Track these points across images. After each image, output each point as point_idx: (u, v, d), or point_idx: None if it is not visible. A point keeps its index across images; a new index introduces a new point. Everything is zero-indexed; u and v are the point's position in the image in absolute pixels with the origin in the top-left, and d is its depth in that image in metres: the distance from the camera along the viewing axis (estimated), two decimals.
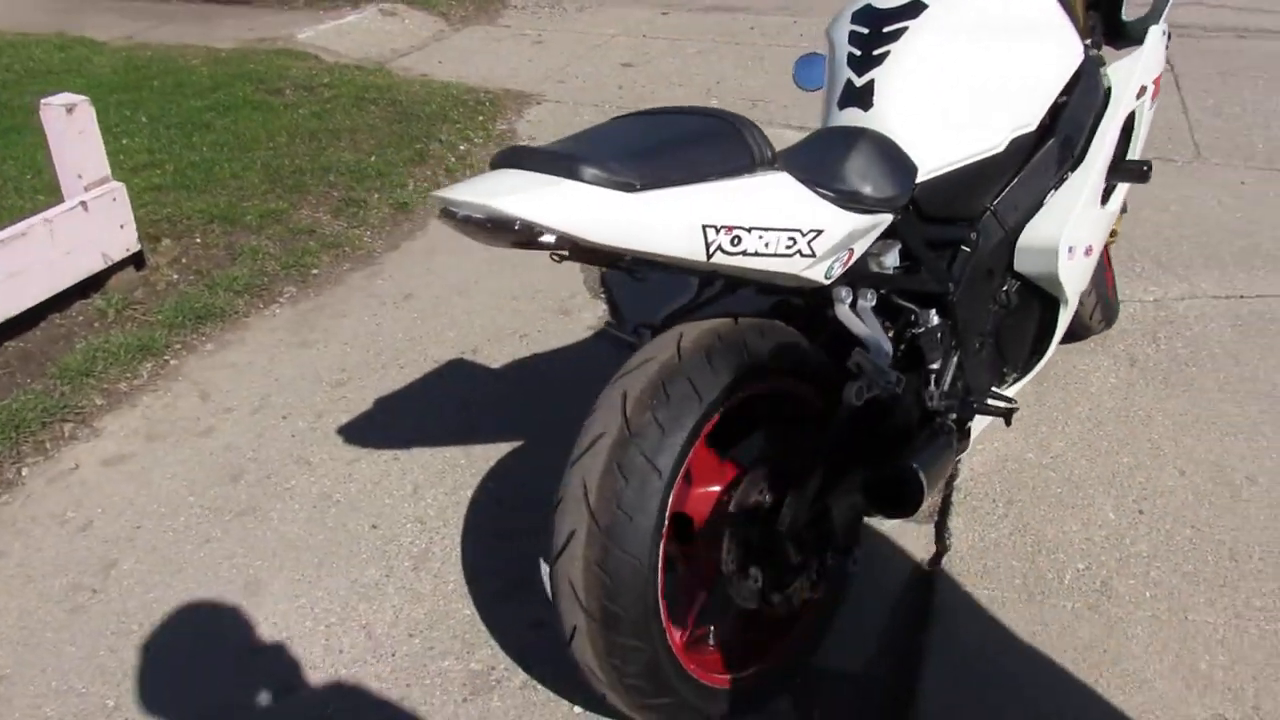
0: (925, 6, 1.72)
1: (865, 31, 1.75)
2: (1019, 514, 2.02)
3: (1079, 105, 1.88)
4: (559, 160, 1.20)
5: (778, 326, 1.55)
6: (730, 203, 1.28)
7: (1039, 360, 1.98)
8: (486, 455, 2.28)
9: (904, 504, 1.46)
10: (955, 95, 1.70)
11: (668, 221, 1.23)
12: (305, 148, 3.81)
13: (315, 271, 3.11)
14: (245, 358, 2.69)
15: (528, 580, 1.93)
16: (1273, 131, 3.93)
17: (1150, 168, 1.95)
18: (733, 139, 1.32)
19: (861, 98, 1.71)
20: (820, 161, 1.49)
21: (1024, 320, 1.93)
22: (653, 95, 4.58)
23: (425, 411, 2.44)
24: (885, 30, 1.73)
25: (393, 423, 2.41)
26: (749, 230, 1.29)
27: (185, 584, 1.96)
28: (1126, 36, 2.15)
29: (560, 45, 5.43)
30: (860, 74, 1.72)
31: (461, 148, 3.97)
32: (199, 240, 3.16)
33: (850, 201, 1.44)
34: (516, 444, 2.32)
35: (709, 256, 1.27)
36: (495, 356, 2.66)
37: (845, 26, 1.79)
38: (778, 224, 1.32)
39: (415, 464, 2.27)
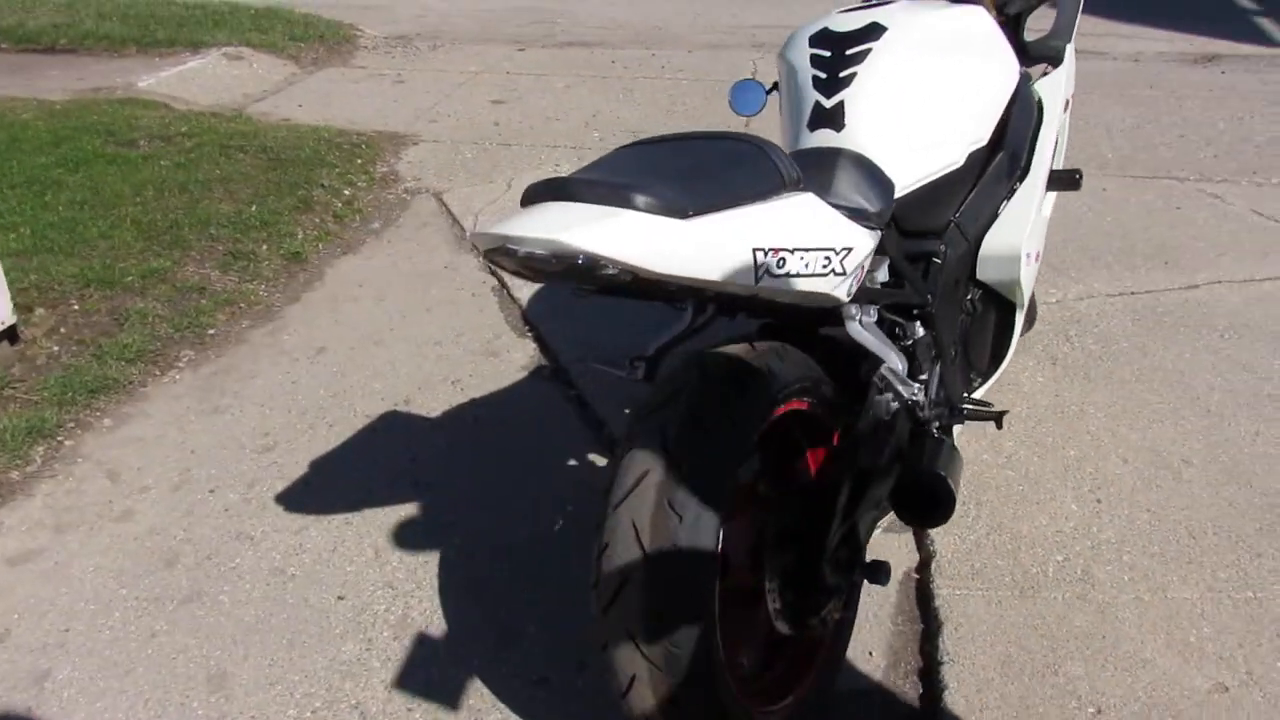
0: (884, 29, 1.77)
1: (827, 54, 1.78)
2: (991, 514, 2.08)
3: (1019, 119, 1.97)
4: (609, 189, 1.15)
5: (790, 349, 1.53)
6: (774, 225, 1.26)
7: (1001, 364, 2.05)
8: (442, 508, 2.17)
9: (938, 512, 1.48)
10: (920, 113, 1.75)
11: (723, 247, 1.20)
12: (177, 201, 3.56)
13: (212, 331, 2.89)
14: (152, 431, 2.47)
15: (519, 630, 1.84)
16: (1116, 141, 4.27)
17: (1081, 175, 2.07)
18: (762, 161, 1.31)
19: (833, 119, 1.73)
20: (825, 182, 1.50)
21: (986, 326, 2.00)
22: (530, 130, 4.54)
23: (368, 469, 2.30)
24: (848, 52, 1.77)
25: (335, 485, 2.26)
26: (792, 251, 1.27)
27: (138, 686, 1.75)
28: (1030, 55, 2.27)
29: (422, 84, 5.31)
30: (829, 96, 1.75)
31: (346, 192, 3.80)
32: (76, 307, 2.88)
33: (862, 219, 1.46)
34: (471, 493, 2.21)
35: (757, 280, 1.25)
36: (430, 406, 2.54)
37: (804, 50, 1.82)
38: (816, 244, 1.31)
39: (370, 526, 2.13)
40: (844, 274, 1.38)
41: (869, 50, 1.76)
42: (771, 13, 6.94)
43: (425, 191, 3.88)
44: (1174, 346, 2.67)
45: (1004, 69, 1.91)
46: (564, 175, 1.22)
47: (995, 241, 1.90)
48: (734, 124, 3.85)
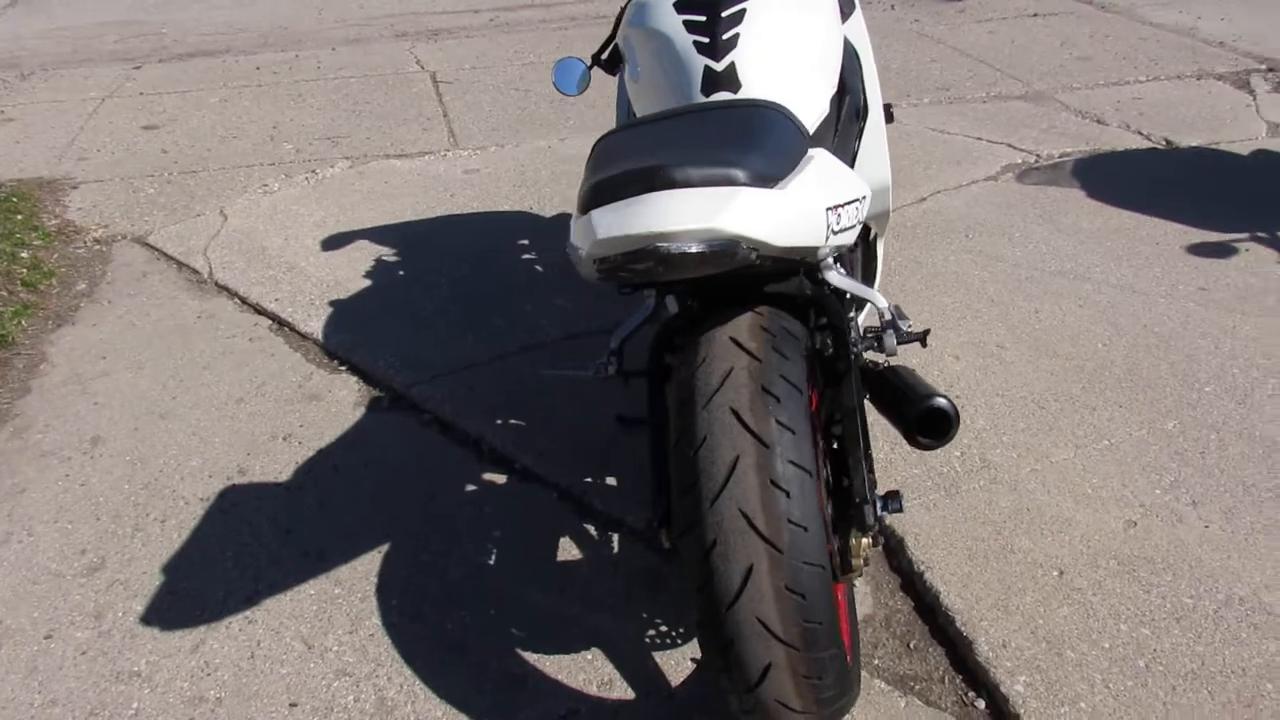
0: None
1: (702, 19, 1.78)
2: (879, 434, 2.24)
3: (850, 63, 2.10)
4: (708, 169, 1.08)
5: (779, 311, 1.54)
6: (827, 182, 1.26)
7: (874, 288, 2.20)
8: (354, 574, 1.93)
9: (949, 432, 1.57)
10: (796, 67, 1.81)
11: (810, 211, 1.18)
12: None
13: None
14: None
15: (518, 677, 1.70)
16: None
17: (893, 109, 2.26)
18: (787, 122, 1.29)
19: (728, 80, 1.74)
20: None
21: (868, 258, 2.14)
22: (210, 153, 4.05)
23: (239, 555, 1.98)
24: (724, 15, 1.78)
25: (209, 583, 1.92)
26: (844, 205, 1.28)
27: None
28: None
29: (41, 119, 4.52)
30: (718, 59, 1.75)
31: (24, 255, 3.16)
32: None
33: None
34: (371, 544, 1.98)
35: (826, 239, 1.24)
36: (272, 469, 2.23)
37: (673, 17, 1.80)
38: (851, 195, 1.33)
39: (282, 616, 1.84)
40: (859, 222, 1.41)
41: (744, 11, 1.79)
42: (391, 2, 6.71)
43: (122, 238, 3.34)
44: (937, 252, 3.01)
45: (836, 17, 2.03)
46: (632, 163, 1.13)
47: (864, 177, 2.03)
48: (385, 129, 3.70)
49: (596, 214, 1.09)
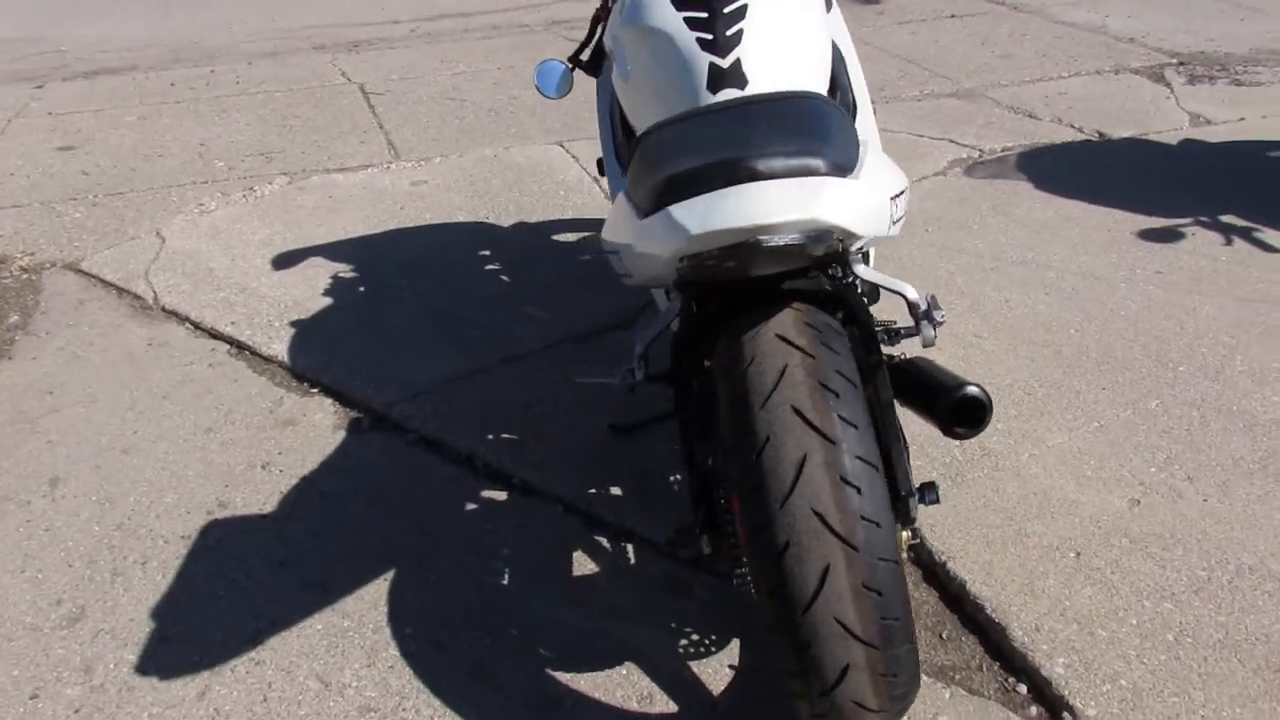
0: None
1: (704, 15, 1.76)
2: None
3: (837, 59, 2.11)
4: (785, 160, 1.05)
5: (813, 307, 1.52)
6: (885, 171, 1.24)
7: None
8: (362, 604, 1.84)
9: (984, 420, 1.57)
10: (796, 63, 1.80)
11: (880, 200, 1.16)
12: None
13: None
14: None
15: (553, 699, 1.64)
16: None
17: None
18: (838, 112, 1.27)
19: (734, 77, 1.72)
20: None
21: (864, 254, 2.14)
22: (135, 173, 3.85)
23: (235, 596, 1.86)
24: (726, 11, 1.76)
25: (206, 627, 1.80)
26: (900, 195, 1.27)
27: None
28: None
29: None
30: (724, 55, 1.73)
31: None
32: None
33: None
34: (375, 577, 1.90)
35: (889, 229, 1.22)
36: (255, 500, 2.11)
37: (672, 15, 1.77)
38: (903, 185, 1.31)
39: (291, 655, 1.74)
40: (906, 214, 1.40)
41: (745, 6, 1.77)
42: (305, 15, 6.53)
43: (51, 266, 3.14)
44: (901, 246, 3.05)
45: (824, 14, 2.03)
46: (705, 157, 1.09)
47: None
48: (322, 143, 3.60)
49: (681, 209, 1.05)
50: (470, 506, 2.08)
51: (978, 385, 1.55)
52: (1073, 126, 3.99)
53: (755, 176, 1.07)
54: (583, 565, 1.92)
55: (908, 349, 2.37)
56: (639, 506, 2.04)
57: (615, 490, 2.09)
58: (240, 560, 1.94)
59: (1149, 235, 3.05)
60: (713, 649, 1.72)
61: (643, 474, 2.13)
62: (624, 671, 1.69)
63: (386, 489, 2.13)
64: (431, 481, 2.14)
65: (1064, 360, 2.45)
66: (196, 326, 2.77)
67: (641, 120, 1.90)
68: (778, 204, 1.02)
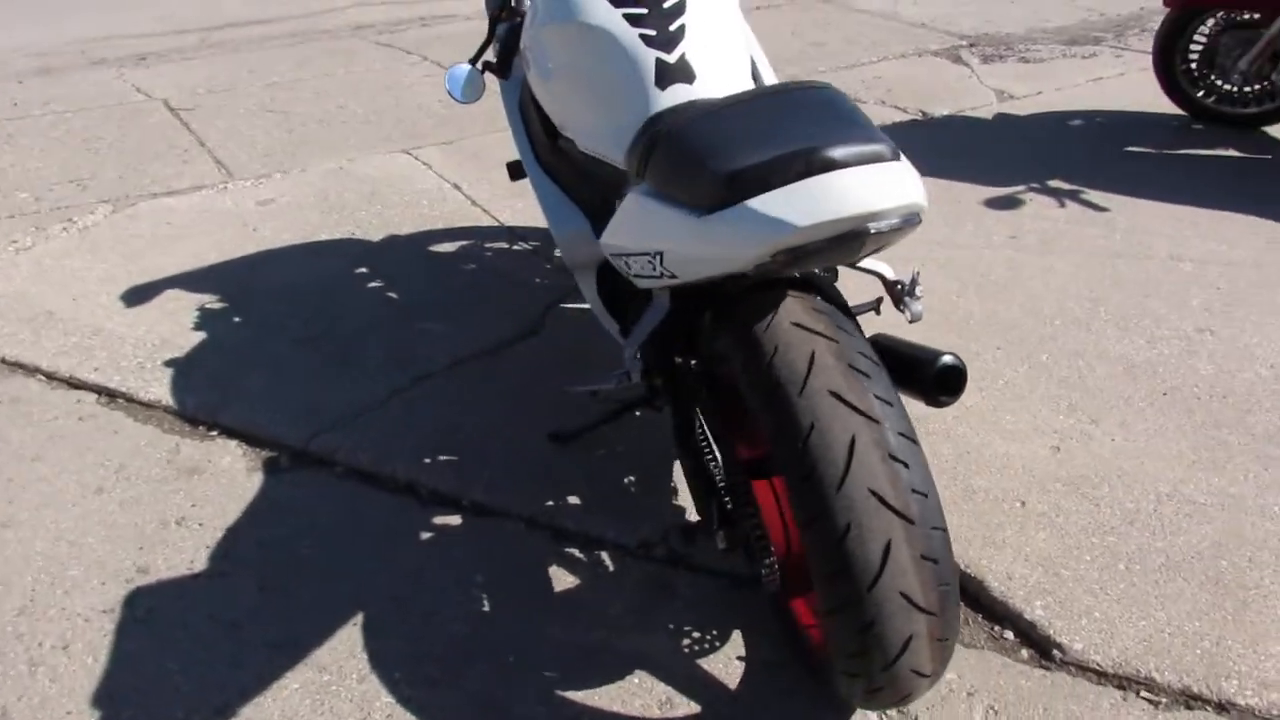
0: None
1: (643, 11, 1.75)
2: None
3: (753, 52, 2.14)
4: (857, 146, 1.06)
5: (808, 293, 1.55)
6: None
7: None
8: (338, 655, 1.71)
9: (962, 387, 1.64)
10: (731, 55, 1.82)
11: (920, 181, 1.19)
12: None
13: None
14: None
15: (576, 717, 1.60)
16: None
17: None
18: (847, 99, 1.30)
19: (683, 72, 1.72)
20: None
21: None
22: None
23: (189, 666, 1.69)
24: (666, 6, 1.75)
25: (162, 708, 1.62)
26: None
27: None
28: None
29: None
30: (670, 51, 1.73)
31: None
32: None
33: None
34: (345, 624, 1.77)
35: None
36: (178, 561, 1.92)
37: (609, 11, 1.75)
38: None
39: (285, 710, 1.60)
40: None
41: (682, 2, 1.77)
42: (75, 28, 5.97)
43: None
44: None
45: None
46: (772, 149, 1.08)
47: None
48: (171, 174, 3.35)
49: (771, 202, 1.04)
50: (426, 535, 1.97)
51: (952, 354, 1.63)
52: (897, 107, 4.25)
53: (832, 165, 1.08)
54: (561, 580, 1.87)
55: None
56: (601, 512, 2.01)
57: (573, 499, 2.05)
58: (184, 628, 1.76)
59: (994, 204, 3.30)
60: (716, 644, 1.73)
61: (595, 480, 2.10)
62: (636, 680, 1.66)
63: (331, 529, 1.99)
64: (377, 515, 2.02)
65: (954, 325, 2.62)
66: (51, 377, 2.48)
67: (576, 120, 1.87)
68: (880, 190, 1.03)
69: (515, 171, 2.30)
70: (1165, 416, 2.24)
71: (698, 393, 1.66)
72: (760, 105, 1.29)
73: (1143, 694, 1.60)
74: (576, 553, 1.93)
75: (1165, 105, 4.02)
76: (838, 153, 1.08)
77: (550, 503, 2.04)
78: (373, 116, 4.25)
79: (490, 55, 2.15)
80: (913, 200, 1.04)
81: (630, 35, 1.73)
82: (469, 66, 2.12)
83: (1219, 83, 3.84)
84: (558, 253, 2.09)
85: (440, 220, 3.27)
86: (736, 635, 1.74)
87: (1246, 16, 3.65)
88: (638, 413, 2.22)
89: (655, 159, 1.32)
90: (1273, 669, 1.63)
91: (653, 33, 1.73)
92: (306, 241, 3.13)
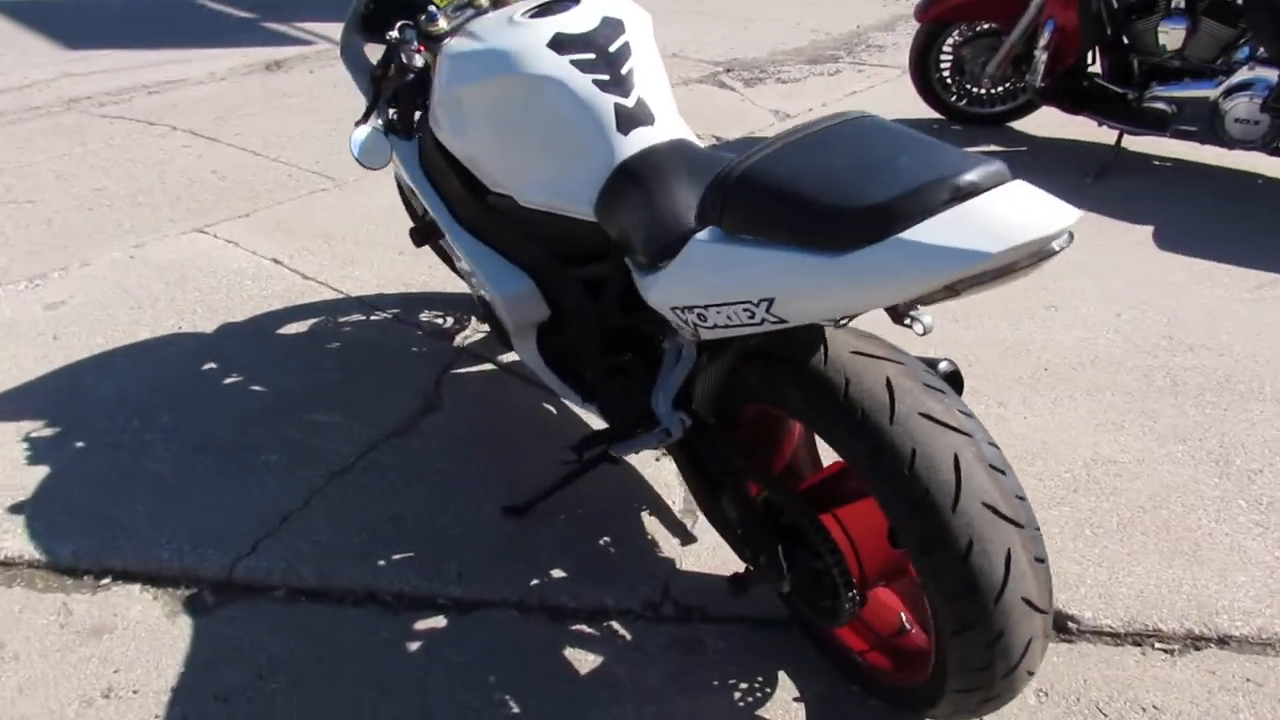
0: (618, 20, 1.74)
1: (591, 57, 1.69)
2: None
3: None
4: (989, 171, 1.07)
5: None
6: None
7: None
8: None
9: (961, 390, 1.71)
10: (669, 94, 1.80)
11: None
12: None
13: None
14: None
15: None
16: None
17: None
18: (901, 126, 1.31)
19: (643, 115, 1.69)
20: None
21: None
22: None
23: None
24: (611, 50, 1.70)
25: None
26: None
27: None
28: None
29: None
30: (626, 95, 1.68)
31: None
32: None
33: None
34: None
35: None
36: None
37: (556, 61, 1.67)
38: None
39: None
40: None
41: (627, 44, 1.73)
42: None
43: None
44: None
45: None
46: (910, 182, 1.07)
47: None
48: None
49: (941, 229, 1.01)
50: (414, 646, 1.78)
51: (947, 359, 1.70)
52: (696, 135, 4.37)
53: (977, 190, 1.07)
54: (583, 661, 1.75)
55: None
56: (591, 581, 1.90)
57: (556, 573, 1.93)
58: None
59: None
60: (767, 689, 1.68)
61: (569, 547, 1.99)
62: None
63: (298, 663, 1.74)
64: (347, 635, 1.80)
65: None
66: None
67: (518, 176, 1.77)
68: (1048, 208, 1.03)
69: (422, 237, 2.14)
70: (1055, 389, 2.46)
71: (720, 439, 1.61)
72: (834, 137, 1.26)
73: (1156, 646, 1.74)
74: (585, 628, 1.82)
75: (924, 110, 4.42)
76: (976, 176, 1.08)
77: (535, 581, 1.90)
78: (141, 196, 3.81)
79: (377, 118, 1.97)
80: (1073, 214, 1.07)
81: (584, 82, 1.67)
82: (368, 129, 1.95)
83: (970, 87, 4.28)
84: (502, 315, 1.96)
85: (275, 300, 2.97)
86: (782, 676, 1.71)
87: (988, 26, 4.11)
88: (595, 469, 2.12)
89: (738, 203, 1.26)
90: (1245, 596, 1.82)
91: (605, 78, 1.68)
92: (127, 343, 2.74)
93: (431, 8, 1.94)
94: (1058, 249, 1.05)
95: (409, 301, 2.94)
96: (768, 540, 1.55)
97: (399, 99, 1.94)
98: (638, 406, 1.82)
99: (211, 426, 2.36)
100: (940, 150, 1.17)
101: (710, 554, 1.96)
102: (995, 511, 1.27)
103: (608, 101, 1.67)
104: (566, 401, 2.08)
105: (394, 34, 1.94)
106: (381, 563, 1.94)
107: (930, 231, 1.04)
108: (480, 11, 2.02)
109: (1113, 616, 1.78)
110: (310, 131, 4.47)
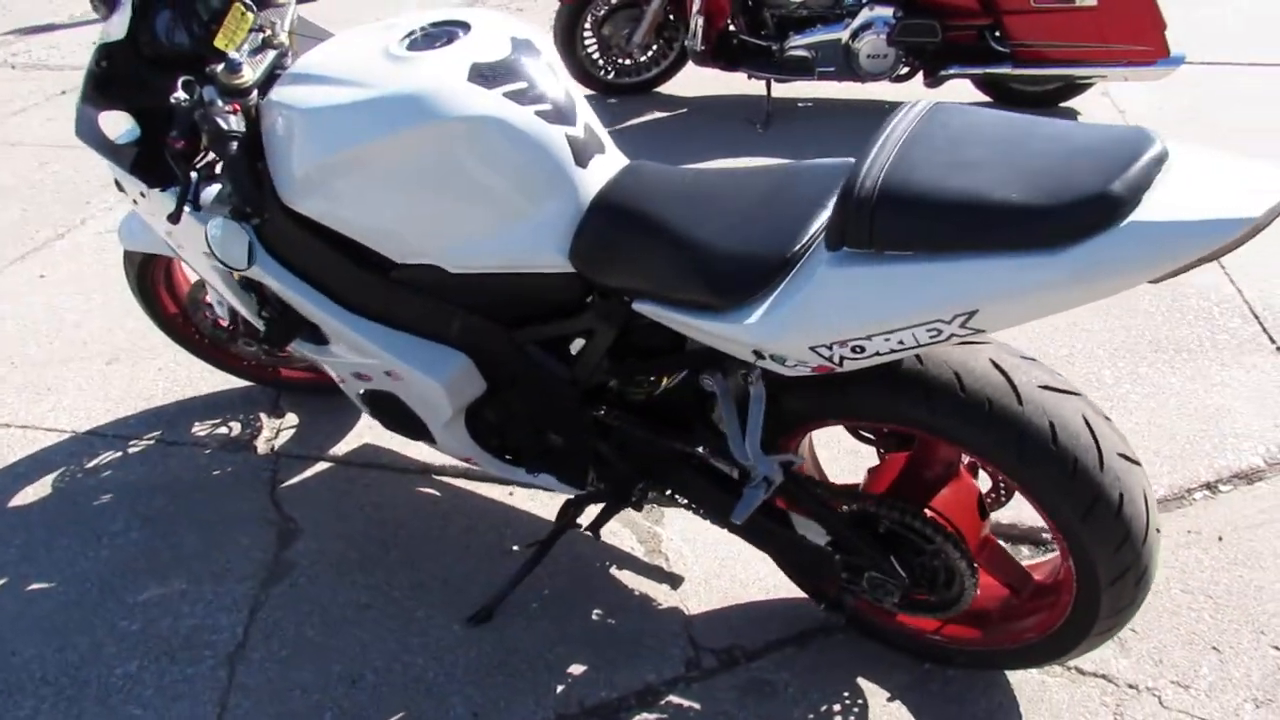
0: (526, 39, 1.51)
1: (522, 86, 1.45)
2: None
3: None
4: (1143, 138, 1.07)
5: None
6: None
7: None
8: None
9: None
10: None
11: None
12: None
13: None
14: None
15: None
16: None
17: None
18: None
19: (593, 144, 1.51)
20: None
21: None
22: None
23: None
24: (537, 76, 1.48)
25: None
26: None
27: None
28: None
29: None
30: (573, 124, 1.47)
31: None
32: None
33: None
34: None
35: None
36: None
37: (487, 97, 1.42)
38: None
39: None
40: None
41: (549, 66, 1.51)
42: None
43: None
44: None
45: None
46: (1102, 171, 1.02)
47: None
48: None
49: (1171, 206, 0.97)
50: None
51: None
52: None
53: (1164, 162, 1.04)
54: None
55: None
56: (616, 666, 1.71)
57: (575, 669, 1.70)
58: None
59: None
60: (859, 699, 1.64)
61: (565, 643, 1.76)
62: None
63: None
64: None
65: None
66: None
67: (452, 238, 1.48)
68: (1249, 168, 1.02)
69: (283, 336, 1.71)
70: None
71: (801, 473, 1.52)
72: (934, 133, 1.17)
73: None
74: (647, 716, 1.63)
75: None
76: (1155, 149, 1.05)
77: (559, 687, 1.67)
78: None
79: (216, 205, 1.53)
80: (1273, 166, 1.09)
81: (526, 117, 1.43)
82: (220, 220, 1.51)
83: (619, 59, 4.35)
84: (436, 404, 1.65)
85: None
86: (862, 684, 1.67)
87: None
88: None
89: (891, 220, 1.11)
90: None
91: (547, 108, 1.45)
92: None
93: (233, 55, 1.52)
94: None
95: (162, 417, 2.37)
96: (875, 552, 1.48)
97: (233, 174, 1.50)
98: (639, 463, 1.65)
99: (20, 671, 1.73)
100: (1065, 126, 1.16)
101: (704, 587, 1.85)
102: (1127, 459, 1.33)
103: (559, 134, 1.44)
104: (510, 479, 1.82)
105: (180, 95, 1.49)
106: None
107: (1163, 209, 1.02)
108: (283, 51, 1.64)
109: None
110: None
